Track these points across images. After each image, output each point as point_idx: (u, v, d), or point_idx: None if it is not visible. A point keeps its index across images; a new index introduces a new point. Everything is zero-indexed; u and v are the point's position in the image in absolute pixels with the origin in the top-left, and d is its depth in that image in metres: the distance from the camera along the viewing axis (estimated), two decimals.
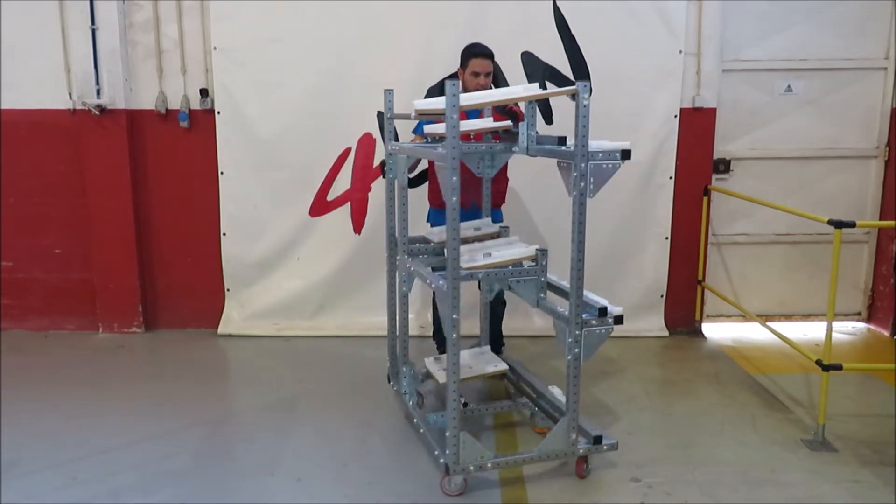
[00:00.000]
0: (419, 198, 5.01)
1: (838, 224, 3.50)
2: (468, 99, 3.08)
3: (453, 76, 4.84)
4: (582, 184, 2.90)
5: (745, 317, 5.21)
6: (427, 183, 4.48)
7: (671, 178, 5.15)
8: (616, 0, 4.89)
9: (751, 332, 5.29)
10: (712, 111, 5.14)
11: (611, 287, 5.15)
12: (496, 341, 4.56)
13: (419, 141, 4.08)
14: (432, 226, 4.35)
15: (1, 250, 5.31)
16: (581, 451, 3.22)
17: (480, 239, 3.70)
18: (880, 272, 5.46)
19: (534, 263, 3.28)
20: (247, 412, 4.07)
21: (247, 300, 5.36)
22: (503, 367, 3.86)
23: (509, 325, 4.67)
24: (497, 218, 4.33)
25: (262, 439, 3.69)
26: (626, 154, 2.89)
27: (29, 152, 5.18)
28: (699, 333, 5.35)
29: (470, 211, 4.19)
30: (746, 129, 5.31)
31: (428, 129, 3.75)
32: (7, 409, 4.02)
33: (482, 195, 4.14)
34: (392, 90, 3.70)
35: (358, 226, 5.21)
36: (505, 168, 4.26)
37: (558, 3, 4.92)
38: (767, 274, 5.49)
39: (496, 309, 4.46)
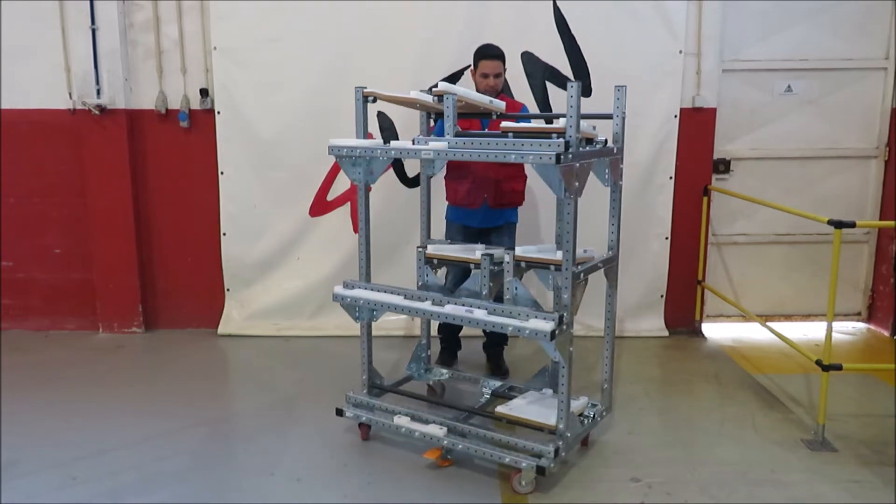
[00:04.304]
0: (419, 196, 5.03)
1: (838, 224, 3.50)
2: None
3: (455, 75, 4.87)
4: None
5: (745, 317, 5.21)
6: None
7: (671, 177, 5.15)
8: (616, 0, 4.89)
9: (751, 332, 5.29)
10: (712, 111, 5.14)
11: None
12: (497, 341, 4.56)
13: None
14: (449, 222, 4.34)
15: (1, 250, 5.31)
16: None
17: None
18: (880, 272, 5.46)
19: None
20: (247, 412, 4.07)
21: (247, 300, 5.36)
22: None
23: None
24: (513, 218, 4.32)
25: (262, 439, 3.69)
26: None
27: (29, 152, 5.18)
28: (699, 333, 5.35)
29: (480, 210, 4.17)
30: (746, 129, 5.31)
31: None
32: (7, 409, 4.02)
33: (494, 194, 4.12)
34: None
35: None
36: (521, 166, 4.24)
37: (558, 3, 4.92)
38: (767, 274, 5.49)
39: None
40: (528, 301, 3.20)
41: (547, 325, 2.97)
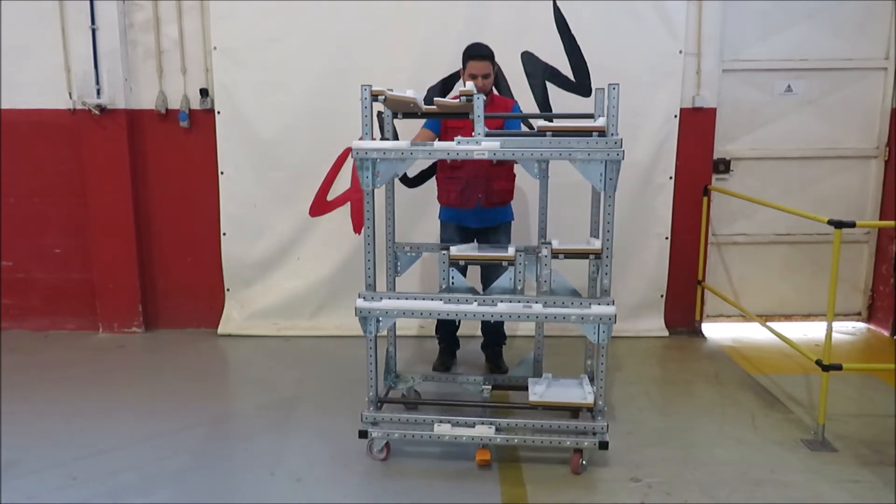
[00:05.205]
0: (419, 196, 5.05)
1: (838, 224, 3.50)
2: None
3: (455, 76, 4.87)
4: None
5: (745, 317, 5.21)
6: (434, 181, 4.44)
7: (671, 177, 5.15)
8: (616, 0, 4.89)
9: (751, 332, 5.29)
10: (712, 111, 5.14)
11: (611, 287, 5.15)
12: (496, 341, 4.56)
13: (429, 135, 4.06)
14: (444, 222, 4.34)
15: (1, 250, 5.31)
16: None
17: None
18: (880, 272, 5.46)
19: None
20: (247, 412, 4.07)
21: (247, 300, 5.35)
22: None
23: (507, 325, 4.65)
24: (507, 215, 4.33)
25: (262, 439, 3.69)
26: None
27: (29, 152, 5.18)
28: (699, 333, 5.35)
29: (474, 210, 4.18)
30: (746, 129, 5.31)
31: None
32: (7, 409, 4.02)
33: (486, 194, 4.13)
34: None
35: (358, 226, 5.21)
36: (511, 165, 4.25)
37: (558, 3, 4.92)
38: (767, 274, 5.48)
39: None
40: (567, 291, 3.29)
41: (611, 310, 3.15)
